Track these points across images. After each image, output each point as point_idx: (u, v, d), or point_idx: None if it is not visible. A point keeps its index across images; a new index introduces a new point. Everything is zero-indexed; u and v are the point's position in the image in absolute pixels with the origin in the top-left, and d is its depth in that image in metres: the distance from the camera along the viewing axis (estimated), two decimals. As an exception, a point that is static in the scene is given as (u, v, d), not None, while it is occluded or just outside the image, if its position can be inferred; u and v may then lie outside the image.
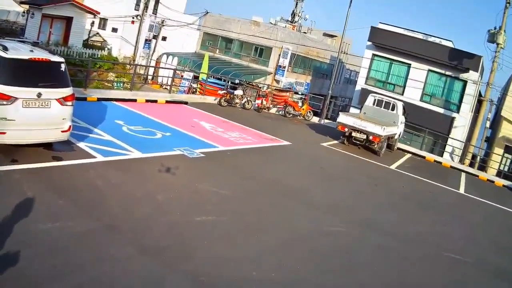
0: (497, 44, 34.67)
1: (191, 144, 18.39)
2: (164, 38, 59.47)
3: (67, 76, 13.35)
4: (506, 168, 37.35)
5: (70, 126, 13.40)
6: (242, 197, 14.42)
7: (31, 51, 13.04)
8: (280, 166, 19.47)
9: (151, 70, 50.71)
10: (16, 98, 11.90)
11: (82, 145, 14.85)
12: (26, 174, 11.75)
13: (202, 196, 13.46)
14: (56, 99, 12.76)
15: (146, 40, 54.00)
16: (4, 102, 11.75)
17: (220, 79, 46.03)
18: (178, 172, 14.78)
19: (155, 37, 56.49)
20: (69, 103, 13.15)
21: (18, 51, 12.72)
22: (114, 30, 58.11)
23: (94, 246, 9.05)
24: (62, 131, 13.20)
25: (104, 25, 57.59)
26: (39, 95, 12.32)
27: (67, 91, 13.08)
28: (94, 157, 14.15)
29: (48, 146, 13.71)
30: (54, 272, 7.87)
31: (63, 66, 13.14)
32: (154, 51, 56.39)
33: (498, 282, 12.58)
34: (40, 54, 12.95)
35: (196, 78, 47.17)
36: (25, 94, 12.09)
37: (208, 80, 42.42)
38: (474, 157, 37.91)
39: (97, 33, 55.13)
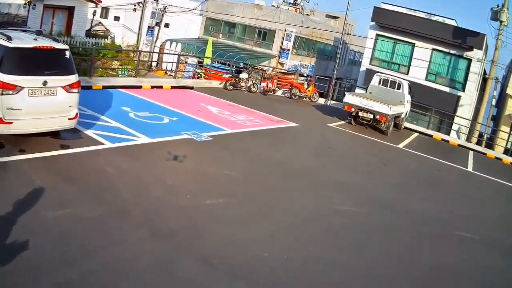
0: (501, 21, 34.43)
1: (199, 128, 18.37)
2: (167, 25, 59.33)
3: (72, 63, 13.29)
4: (514, 147, 37.25)
5: (77, 114, 13.37)
6: (252, 179, 14.46)
7: (35, 39, 12.99)
8: (288, 147, 19.45)
9: (155, 57, 50.61)
10: (22, 87, 11.86)
11: (89, 132, 14.82)
12: (35, 163, 11.74)
13: (212, 179, 13.48)
14: (62, 86, 12.71)
15: (148, 27, 53.87)
16: (10, 92, 11.71)
17: (224, 64, 45.93)
18: (187, 155, 14.77)
19: (157, 24, 56.36)
20: (75, 90, 13.11)
21: (22, 40, 12.70)
22: (116, 18, 58.09)
23: (105, 231, 9.08)
24: (69, 119, 13.17)
25: (106, 14, 57.57)
26: (44, 83, 12.27)
27: (72, 78, 13.03)
28: (102, 144, 14.13)
29: (55, 134, 13.70)
30: (65, 258, 7.86)
31: (67, 53, 13.08)
32: (157, 38, 56.25)
33: (509, 259, 12.55)
34: (44, 42, 12.90)
35: (200, 64, 47.12)
36: (30, 83, 12.05)
37: (213, 65, 42.29)
38: (481, 135, 37.82)
39: (100, 23, 55.12)
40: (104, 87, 22.63)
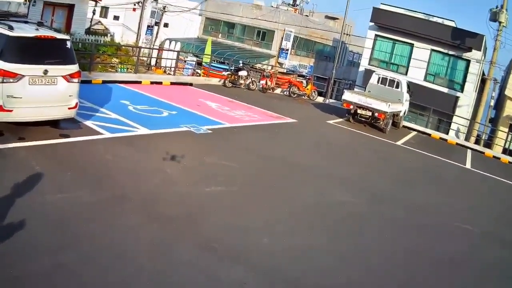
0: (499, 22, 34.51)
1: (198, 121, 18.40)
2: (166, 25, 59.36)
3: (73, 53, 13.34)
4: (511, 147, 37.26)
5: (77, 103, 13.41)
6: (251, 170, 14.52)
7: (36, 29, 13.05)
8: (287, 141, 19.52)
9: (154, 55, 50.57)
10: (23, 76, 11.90)
11: (88, 123, 14.83)
12: (34, 150, 11.77)
13: (211, 169, 13.54)
14: (62, 76, 12.75)
15: (148, 26, 53.92)
16: (11, 80, 11.75)
17: (223, 63, 45.93)
18: (186, 146, 14.86)
19: (157, 23, 56.41)
20: (76, 80, 13.16)
21: (24, 29, 12.76)
22: (116, 18, 58.20)
23: (104, 216, 9.12)
24: (69, 108, 13.21)
25: (105, 13, 57.68)
26: (45, 72, 12.31)
27: (73, 68, 13.09)
28: (101, 133, 14.15)
29: (55, 124, 13.71)
30: (63, 241, 7.91)
31: (68, 44, 13.16)
32: (156, 37, 56.29)
33: (507, 251, 12.59)
34: (46, 32, 12.96)
35: (199, 64, 47.15)
36: (31, 71, 12.09)
37: (212, 64, 42.29)
38: (479, 136, 37.86)
39: (99, 22, 55.19)
40: (104, 82, 22.62)
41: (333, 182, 15.05)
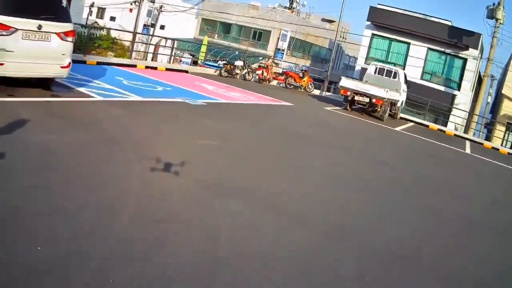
0: (496, 19, 34.56)
1: (193, 96, 18.20)
2: (162, 27, 59.30)
3: (68, 11, 13.17)
4: (509, 145, 37.11)
5: (69, 63, 13.11)
6: (246, 132, 14.54)
7: (32, -17, 12.83)
8: (284, 118, 19.46)
9: (151, 49, 50.38)
10: (16, 29, 11.62)
11: (82, 89, 14.54)
12: (24, 104, 11.39)
13: (206, 128, 13.43)
14: (56, 33, 12.50)
15: (144, 25, 53.77)
16: (4, 33, 11.46)
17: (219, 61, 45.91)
18: (180, 112, 14.66)
19: (153, 25, 56.29)
20: (70, 38, 12.90)
21: (20, -18, 12.52)
22: (112, 18, 58.09)
23: (92, 152, 8.84)
24: (62, 67, 12.92)
25: (102, 14, 57.66)
26: (39, 27, 12.05)
27: (67, 26, 12.84)
28: (94, 97, 13.87)
29: (46, 87, 13.44)
30: (44, 167, 7.58)
31: (64, 1, 12.94)
32: (152, 38, 56.15)
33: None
34: (41, -14, 12.75)
35: (194, 63, 47.04)
36: (25, 25, 11.81)
37: (207, 63, 42.16)
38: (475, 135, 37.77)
39: (95, 22, 55.04)
40: (99, 63, 22.33)
41: (333, 149, 15.01)
